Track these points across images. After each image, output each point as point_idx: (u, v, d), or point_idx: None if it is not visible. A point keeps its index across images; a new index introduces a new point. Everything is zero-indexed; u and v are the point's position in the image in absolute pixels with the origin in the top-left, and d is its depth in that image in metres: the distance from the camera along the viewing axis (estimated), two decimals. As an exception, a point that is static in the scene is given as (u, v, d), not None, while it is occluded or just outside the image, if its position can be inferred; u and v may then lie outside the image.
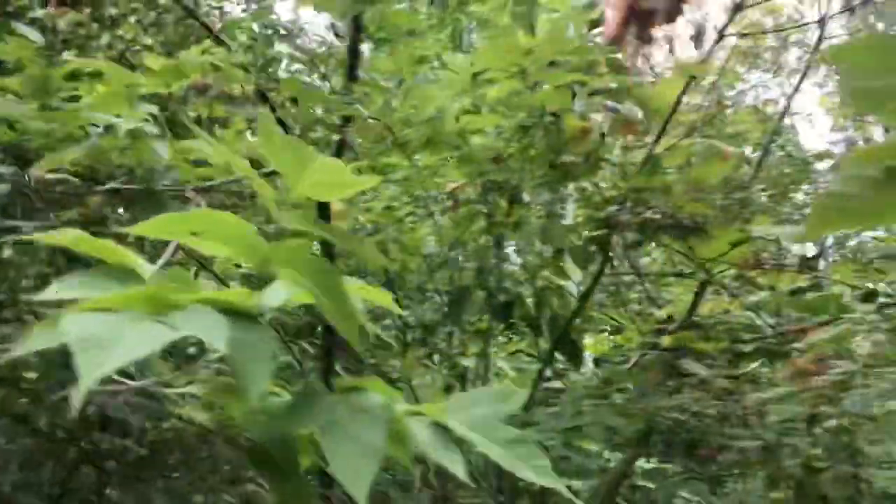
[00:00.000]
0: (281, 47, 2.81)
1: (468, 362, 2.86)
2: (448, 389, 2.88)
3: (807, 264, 1.83)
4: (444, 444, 0.66)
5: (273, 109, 2.22)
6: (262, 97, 2.17)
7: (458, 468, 0.63)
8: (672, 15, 3.27)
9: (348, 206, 2.32)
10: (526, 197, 2.58)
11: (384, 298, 0.80)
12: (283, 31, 3.00)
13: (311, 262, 0.67)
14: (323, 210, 2.10)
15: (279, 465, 0.71)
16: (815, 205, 0.49)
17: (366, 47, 2.92)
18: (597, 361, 3.10)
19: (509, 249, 2.74)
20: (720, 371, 2.08)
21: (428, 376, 3.00)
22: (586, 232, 2.32)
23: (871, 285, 1.79)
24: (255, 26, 2.93)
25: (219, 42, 1.82)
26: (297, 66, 2.95)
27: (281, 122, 2.19)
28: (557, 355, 2.53)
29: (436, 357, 2.83)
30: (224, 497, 2.73)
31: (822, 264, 1.90)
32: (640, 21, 3.31)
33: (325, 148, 2.19)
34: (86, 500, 2.34)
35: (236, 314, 0.60)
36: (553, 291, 2.57)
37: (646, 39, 3.23)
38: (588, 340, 3.25)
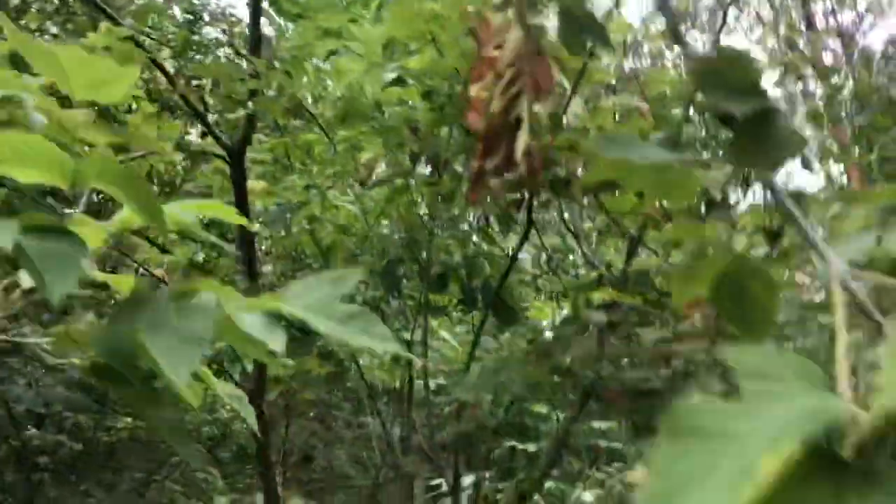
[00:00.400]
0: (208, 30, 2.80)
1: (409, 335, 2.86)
2: (396, 360, 2.89)
3: (718, 211, 1.86)
4: (269, 327, 0.66)
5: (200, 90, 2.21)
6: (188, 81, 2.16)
7: (277, 344, 0.63)
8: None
9: (266, 185, 2.31)
10: (458, 167, 2.59)
11: (227, 213, 0.80)
12: (206, 16, 2.98)
13: (121, 173, 0.67)
14: (239, 189, 2.10)
15: (120, 373, 0.70)
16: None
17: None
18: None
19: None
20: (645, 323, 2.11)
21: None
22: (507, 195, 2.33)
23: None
24: (178, 10, 2.91)
25: (116, 24, 1.80)
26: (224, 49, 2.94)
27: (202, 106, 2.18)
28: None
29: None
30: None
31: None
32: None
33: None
34: (23, 499, 2.31)
35: (45, 228, 0.61)
36: (487, 259, 2.59)
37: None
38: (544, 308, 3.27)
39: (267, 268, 2.97)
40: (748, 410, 0.30)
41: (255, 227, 2.49)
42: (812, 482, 0.28)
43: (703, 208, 1.97)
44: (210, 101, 2.25)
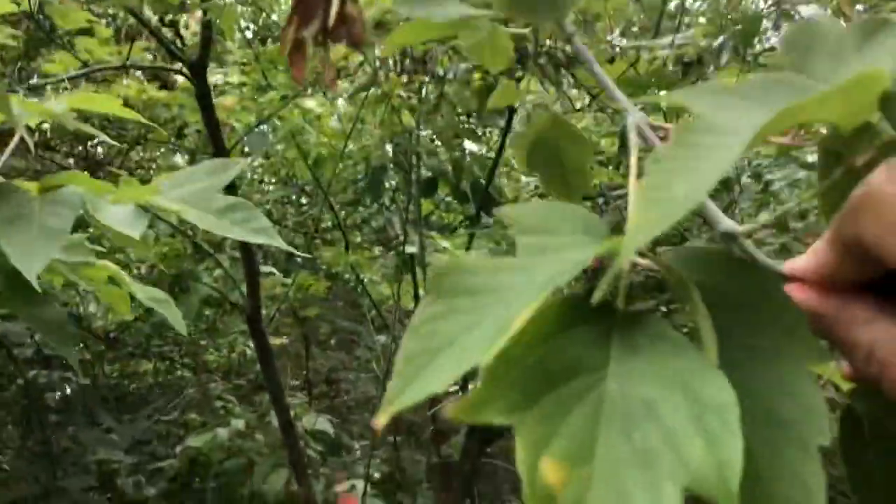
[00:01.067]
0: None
1: (411, 249, 2.84)
2: (398, 271, 2.88)
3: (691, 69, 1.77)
4: (133, 218, 0.62)
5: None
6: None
7: (135, 233, 0.59)
8: None
9: (237, 100, 2.25)
10: (440, 71, 2.51)
11: (111, 106, 0.75)
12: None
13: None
14: (205, 107, 2.04)
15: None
16: None
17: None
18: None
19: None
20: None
21: (378, 266, 2.99)
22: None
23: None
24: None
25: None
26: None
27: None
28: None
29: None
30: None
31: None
32: None
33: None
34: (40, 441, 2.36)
35: None
36: (475, 159, 2.53)
37: None
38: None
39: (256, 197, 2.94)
40: (519, 265, 0.29)
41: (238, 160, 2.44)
42: (578, 327, 0.28)
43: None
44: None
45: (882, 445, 0.31)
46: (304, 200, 3.03)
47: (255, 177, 3.24)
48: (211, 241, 2.90)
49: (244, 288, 2.40)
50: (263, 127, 2.37)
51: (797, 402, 0.28)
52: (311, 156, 2.53)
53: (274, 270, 2.73)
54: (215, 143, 2.03)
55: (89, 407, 2.40)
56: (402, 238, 2.79)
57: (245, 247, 2.39)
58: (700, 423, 0.24)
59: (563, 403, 0.26)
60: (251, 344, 3.39)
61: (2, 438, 2.39)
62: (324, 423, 2.76)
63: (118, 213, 0.63)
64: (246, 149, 2.50)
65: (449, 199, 2.99)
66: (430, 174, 2.51)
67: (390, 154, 2.52)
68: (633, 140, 0.36)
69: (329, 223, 2.98)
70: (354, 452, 3.35)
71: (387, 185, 2.78)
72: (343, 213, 2.91)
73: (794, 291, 0.31)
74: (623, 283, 0.30)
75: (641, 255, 0.31)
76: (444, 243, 3.19)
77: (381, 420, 0.25)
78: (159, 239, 2.59)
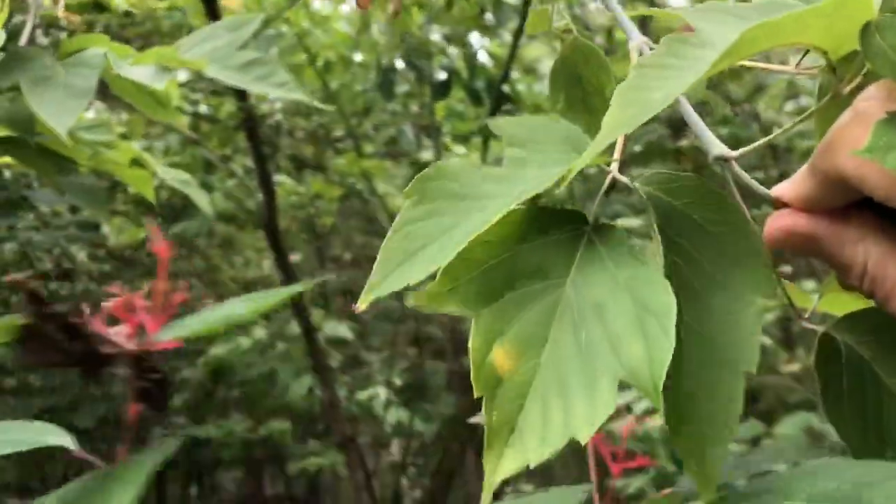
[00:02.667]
0: None
1: (427, 155, 2.84)
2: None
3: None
4: (157, 75, 0.63)
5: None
6: None
7: (159, 84, 0.61)
8: None
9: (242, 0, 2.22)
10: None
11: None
12: None
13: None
14: (210, 6, 2.02)
15: (23, 141, 0.69)
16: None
17: None
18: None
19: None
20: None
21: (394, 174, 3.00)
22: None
23: None
24: None
25: None
26: None
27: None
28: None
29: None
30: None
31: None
32: None
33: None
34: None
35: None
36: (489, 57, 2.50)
37: None
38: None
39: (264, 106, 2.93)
40: (502, 175, 0.32)
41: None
42: (548, 235, 0.30)
43: None
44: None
45: (854, 370, 0.33)
46: (316, 105, 3.00)
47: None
48: (222, 155, 2.91)
49: (259, 197, 2.43)
50: (269, 31, 2.35)
51: (737, 331, 0.31)
52: (319, 60, 2.51)
53: (285, 178, 2.74)
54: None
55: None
56: (415, 149, 2.79)
57: (258, 155, 2.40)
58: (641, 326, 0.27)
59: (521, 302, 0.29)
60: (265, 263, 3.44)
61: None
62: (343, 330, 2.82)
63: (144, 71, 0.64)
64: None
65: (462, 107, 2.97)
66: (443, 75, 2.48)
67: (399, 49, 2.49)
68: (634, 60, 0.37)
69: (340, 132, 2.98)
70: (373, 364, 3.43)
71: (398, 90, 2.76)
72: (354, 121, 2.90)
73: (784, 216, 0.32)
74: (599, 195, 0.33)
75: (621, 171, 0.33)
76: (460, 149, 3.19)
77: (361, 305, 0.28)
78: (170, 149, 2.61)
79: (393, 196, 3.16)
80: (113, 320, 0.33)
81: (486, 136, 2.49)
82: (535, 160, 0.33)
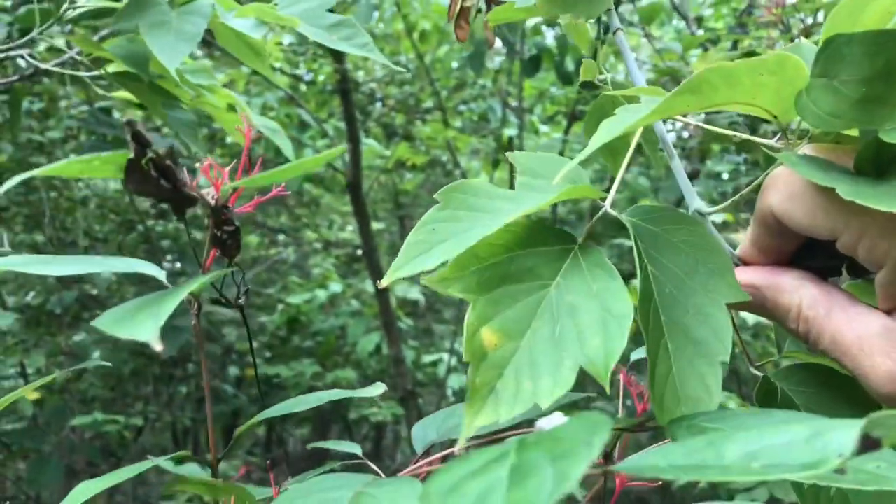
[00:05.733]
0: None
1: (510, 132, 2.89)
2: (496, 154, 2.96)
3: None
4: (256, 27, 0.72)
5: None
6: None
7: (257, 34, 0.69)
8: None
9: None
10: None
11: None
12: None
13: None
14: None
15: (137, 76, 0.78)
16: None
17: None
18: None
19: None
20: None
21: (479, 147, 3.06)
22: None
23: None
24: None
25: None
26: None
27: None
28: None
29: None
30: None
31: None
32: None
33: None
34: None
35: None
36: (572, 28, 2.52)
37: None
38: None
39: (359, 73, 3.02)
40: (512, 196, 0.39)
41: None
42: (543, 246, 0.38)
43: None
44: None
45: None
46: (392, 67, 3.10)
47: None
48: (317, 116, 3.04)
49: (346, 158, 2.54)
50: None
51: (710, 326, 0.37)
52: (416, 29, 2.59)
53: (374, 142, 2.84)
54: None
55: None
56: (499, 126, 2.85)
57: (349, 115, 2.50)
58: (603, 325, 0.34)
59: (512, 295, 0.36)
60: (349, 227, 3.55)
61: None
62: (415, 293, 2.93)
63: (245, 23, 0.73)
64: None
65: (554, 89, 3.00)
66: (534, 52, 2.53)
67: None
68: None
69: (430, 103, 3.06)
70: (441, 334, 3.51)
71: (489, 65, 2.81)
72: (444, 94, 2.97)
73: (739, 273, 0.39)
74: (589, 223, 0.40)
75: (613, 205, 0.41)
76: (544, 127, 3.23)
77: (384, 282, 0.35)
78: (268, 105, 2.74)
79: (475, 172, 3.22)
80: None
81: (571, 117, 2.53)
82: (540, 187, 0.41)
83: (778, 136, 0.41)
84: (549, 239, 0.38)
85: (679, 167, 0.45)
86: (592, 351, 0.34)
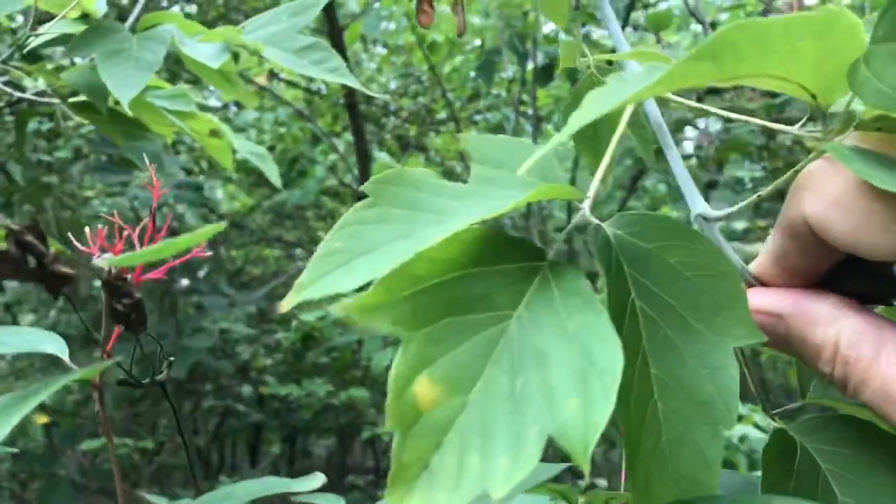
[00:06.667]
0: None
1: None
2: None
3: None
4: (218, 53, 0.68)
5: None
6: None
7: (215, 63, 0.64)
8: None
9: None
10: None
11: None
12: None
13: None
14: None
15: (94, 106, 0.74)
16: None
17: None
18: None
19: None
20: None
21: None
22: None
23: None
24: None
25: None
26: None
27: None
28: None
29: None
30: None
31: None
32: None
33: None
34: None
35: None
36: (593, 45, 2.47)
37: None
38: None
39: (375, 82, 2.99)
40: (464, 191, 0.30)
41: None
42: (502, 265, 0.28)
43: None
44: None
45: (806, 476, 0.31)
46: (367, 93, 3.06)
47: (374, 66, 3.29)
48: (331, 130, 3.00)
49: (356, 172, 2.50)
50: (377, 4, 2.40)
51: (716, 383, 0.28)
52: (426, 41, 2.55)
53: (385, 156, 2.81)
54: (331, 21, 2.09)
55: (213, 282, 2.60)
56: (513, 135, 2.79)
57: (358, 131, 2.46)
58: (583, 381, 0.24)
59: (459, 330, 0.26)
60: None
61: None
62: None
63: (206, 49, 0.69)
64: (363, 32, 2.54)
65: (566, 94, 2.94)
66: (547, 61, 2.47)
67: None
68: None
69: (443, 114, 3.01)
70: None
71: (502, 75, 2.76)
72: (458, 104, 2.92)
73: (754, 296, 0.30)
74: (561, 235, 0.31)
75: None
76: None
77: (284, 305, 0.26)
78: (279, 121, 2.71)
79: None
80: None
81: (576, 158, 2.47)
82: (500, 182, 0.31)
83: (801, 123, 0.31)
84: (510, 253, 0.28)
85: (677, 160, 0.35)
86: (567, 417, 0.24)
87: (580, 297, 0.26)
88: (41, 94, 0.96)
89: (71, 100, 0.86)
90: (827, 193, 0.27)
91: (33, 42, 0.82)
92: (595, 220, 0.30)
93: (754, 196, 0.31)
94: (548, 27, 2.60)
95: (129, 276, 0.35)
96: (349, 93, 2.25)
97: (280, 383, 2.79)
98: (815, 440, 0.31)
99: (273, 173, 1.02)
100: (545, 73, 2.49)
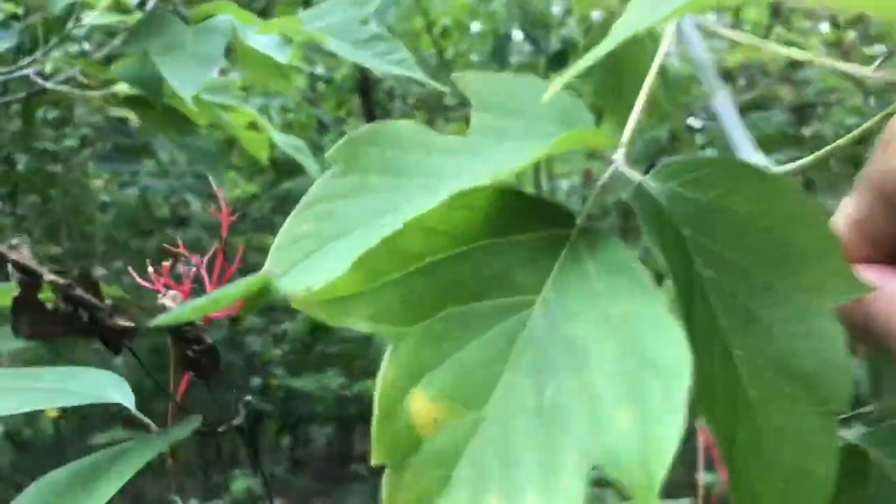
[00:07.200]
0: None
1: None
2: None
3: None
4: (280, 46, 0.65)
5: None
6: None
7: (282, 57, 0.62)
8: None
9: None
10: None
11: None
12: None
13: None
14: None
15: (146, 100, 0.72)
16: None
17: None
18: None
19: None
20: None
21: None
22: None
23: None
24: None
25: None
26: None
27: None
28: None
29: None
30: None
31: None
32: None
33: None
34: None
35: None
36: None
37: None
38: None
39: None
40: (465, 147, 0.23)
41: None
42: (519, 234, 0.22)
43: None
44: None
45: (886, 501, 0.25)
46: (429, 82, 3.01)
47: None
48: (336, 116, 2.97)
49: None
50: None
51: (816, 353, 0.22)
52: (436, 25, 2.52)
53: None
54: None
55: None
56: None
57: (370, 117, 2.43)
58: (636, 387, 0.18)
59: (465, 326, 0.20)
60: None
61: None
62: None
63: (267, 41, 0.66)
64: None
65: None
66: (560, 46, 2.44)
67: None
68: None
69: (452, 101, 2.99)
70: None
71: (513, 61, 2.74)
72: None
73: None
74: (594, 192, 0.24)
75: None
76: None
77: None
78: (287, 107, 2.68)
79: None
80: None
81: (599, 113, 2.45)
82: (512, 132, 0.24)
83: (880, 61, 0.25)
84: (529, 220, 0.22)
85: (726, 102, 0.30)
86: (619, 436, 0.18)
87: (624, 274, 0.20)
88: (65, 82, 0.94)
89: (118, 92, 0.84)
90: None
91: (77, 31, 0.79)
92: (634, 175, 0.23)
93: (828, 147, 0.26)
94: (557, 8, 2.58)
95: (197, 322, 0.32)
96: (363, 78, 2.22)
97: (289, 374, 2.77)
98: (891, 453, 0.26)
99: (311, 166, 1.00)
100: (558, 59, 2.46)
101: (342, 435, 3.77)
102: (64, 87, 0.94)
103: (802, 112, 1.79)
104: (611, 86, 0.49)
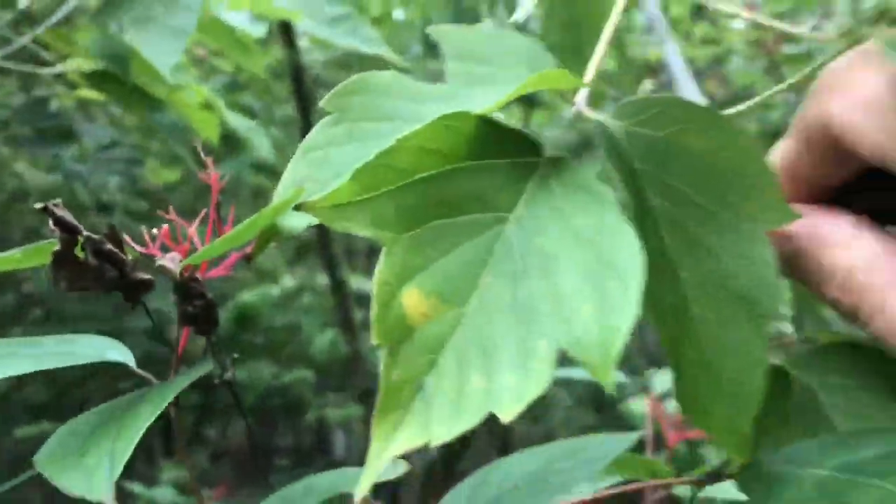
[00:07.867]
0: None
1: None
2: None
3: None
4: (252, 22, 0.67)
5: None
6: None
7: (257, 31, 0.64)
8: None
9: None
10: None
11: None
12: None
13: None
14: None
15: (115, 77, 0.73)
16: None
17: None
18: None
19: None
20: None
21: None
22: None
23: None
24: None
25: None
26: None
27: None
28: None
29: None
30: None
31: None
32: None
33: None
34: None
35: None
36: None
37: None
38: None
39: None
40: (444, 93, 0.26)
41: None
42: (493, 159, 0.25)
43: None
44: None
45: (805, 417, 0.29)
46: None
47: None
48: (263, 103, 2.94)
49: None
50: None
51: (752, 274, 0.25)
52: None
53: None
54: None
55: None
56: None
57: (303, 105, 2.43)
58: (597, 285, 0.21)
59: (451, 233, 0.23)
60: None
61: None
62: (370, 286, 2.86)
63: (238, 16, 0.68)
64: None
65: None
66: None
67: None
68: None
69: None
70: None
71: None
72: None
73: None
74: (557, 129, 0.27)
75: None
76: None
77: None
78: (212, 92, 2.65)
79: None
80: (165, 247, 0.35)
81: (529, 105, 2.50)
82: (485, 78, 0.27)
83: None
84: (506, 147, 0.25)
85: (674, 54, 0.33)
86: (581, 325, 0.21)
87: (587, 193, 0.23)
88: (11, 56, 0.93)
89: (71, 65, 0.84)
90: (858, 93, 0.24)
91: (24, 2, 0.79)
92: (593, 115, 0.26)
93: (764, 94, 0.28)
94: None
95: (199, 277, 0.35)
96: (294, 66, 2.21)
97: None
98: (813, 373, 0.29)
99: (266, 146, 1.02)
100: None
101: (264, 428, 3.75)
102: (9, 64, 0.93)
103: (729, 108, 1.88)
104: (570, 44, 0.52)
